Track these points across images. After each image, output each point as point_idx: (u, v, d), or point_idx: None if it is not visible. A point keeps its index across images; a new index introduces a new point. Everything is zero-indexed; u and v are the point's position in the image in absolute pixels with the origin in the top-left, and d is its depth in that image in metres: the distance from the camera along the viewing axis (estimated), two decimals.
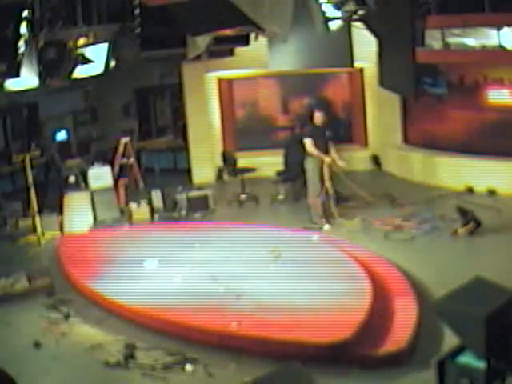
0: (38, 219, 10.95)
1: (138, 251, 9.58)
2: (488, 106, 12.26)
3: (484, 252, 9.12)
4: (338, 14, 7.51)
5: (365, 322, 6.93)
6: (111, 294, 8.14)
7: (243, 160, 13.28)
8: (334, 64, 9.13)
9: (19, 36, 7.47)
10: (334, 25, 7.52)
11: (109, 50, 9.68)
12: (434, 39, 11.12)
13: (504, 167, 11.83)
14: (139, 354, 6.95)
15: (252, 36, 9.89)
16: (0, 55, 7.47)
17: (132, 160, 12.73)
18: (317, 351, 6.54)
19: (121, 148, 12.72)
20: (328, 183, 10.61)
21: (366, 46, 9.05)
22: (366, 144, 14.66)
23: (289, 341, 6.70)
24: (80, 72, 9.30)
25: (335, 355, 6.55)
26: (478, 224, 9.91)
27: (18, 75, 7.73)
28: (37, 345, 7.37)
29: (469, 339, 3.96)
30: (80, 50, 9.10)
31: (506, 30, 10.73)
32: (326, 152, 10.57)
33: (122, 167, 12.87)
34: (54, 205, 11.52)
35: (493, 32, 10.89)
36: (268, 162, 13.38)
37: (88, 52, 9.27)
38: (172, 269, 8.77)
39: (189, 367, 6.65)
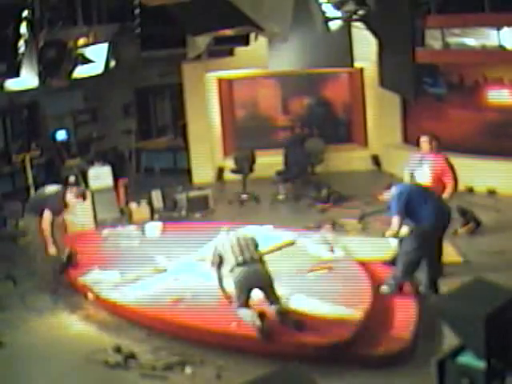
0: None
1: (139, 251, 9.58)
2: (488, 106, 12.27)
3: (484, 252, 9.12)
4: (338, 14, 7.50)
5: (365, 322, 6.93)
6: (112, 294, 8.15)
7: None
8: (334, 64, 9.12)
9: (19, 36, 7.46)
10: (334, 25, 7.51)
11: (109, 50, 9.68)
12: (434, 39, 11.14)
13: (504, 167, 11.84)
14: (139, 354, 6.96)
15: (252, 36, 9.88)
16: (0, 55, 7.47)
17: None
18: (317, 351, 6.54)
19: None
20: None
21: (365, 46, 9.05)
22: (365, 144, 14.66)
23: (289, 341, 6.70)
24: (80, 72, 9.29)
25: (335, 355, 6.55)
26: (478, 224, 9.92)
27: (18, 75, 7.73)
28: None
29: (469, 339, 3.96)
30: (80, 50, 9.09)
31: (506, 29, 10.75)
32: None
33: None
34: None
35: (493, 32, 10.90)
36: (268, 162, 13.39)
37: (88, 52, 9.27)
38: (172, 269, 8.78)
39: (188, 369, 6.64)
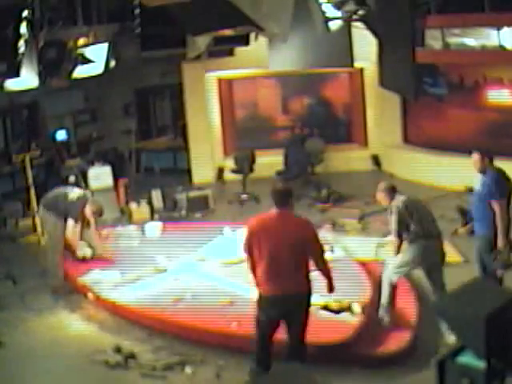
0: (38, 219, 10.94)
1: (139, 251, 9.58)
2: (488, 106, 12.27)
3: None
4: (338, 13, 7.51)
5: (365, 321, 6.93)
6: (112, 294, 8.15)
7: None
8: (334, 64, 9.13)
9: (19, 36, 7.46)
10: (334, 25, 7.52)
11: (109, 50, 9.68)
12: (434, 39, 11.13)
13: (504, 167, 11.79)
14: (139, 354, 6.96)
15: (252, 36, 9.89)
16: (0, 55, 7.48)
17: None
18: (317, 351, 6.54)
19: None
20: None
21: (365, 45, 9.06)
22: (365, 144, 14.66)
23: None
24: (80, 72, 9.30)
25: (335, 355, 6.55)
26: None
27: (18, 75, 7.73)
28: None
29: (469, 339, 3.96)
30: (80, 50, 9.10)
31: (506, 29, 10.74)
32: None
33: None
34: None
35: (493, 32, 10.90)
36: (268, 162, 13.38)
37: (88, 52, 9.28)
38: (172, 269, 8.78)
39: (188, 369, 6.64)
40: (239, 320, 7.04)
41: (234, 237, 9.75)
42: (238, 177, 12.91)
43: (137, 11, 8.61)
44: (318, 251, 6.00)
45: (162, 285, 8.29)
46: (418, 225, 6.98)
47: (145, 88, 15.99)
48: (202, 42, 8.53)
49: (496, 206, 7.14)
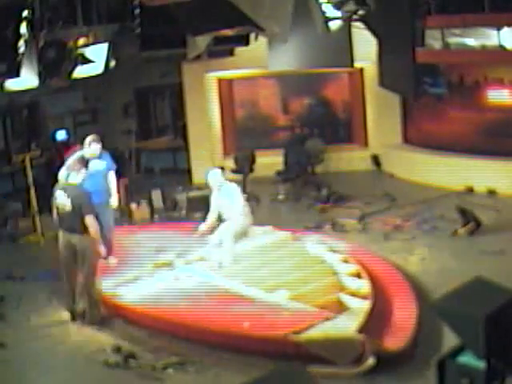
0: (37, 219, 10.95)
1: (138, 251, 9.58)
2: (488, 106, 12.27)
3: (484, 252, 9.13)
4: (338, 14, 7.51)
5: (365, 322, 6.92)
6: (112, 294, 8.15)
7: None
8: (334, 64, 9.14)
9: (19, 36, 7.47)
10: (334, 25, 7.53)
11: (109, 50, 9.68)
12: (434, 39, 11.14)
13: (504, 167, 11.84)
14: (139, 354, 6.95)
15: (252, 36, 9.89)
16: (0, 55, 7.48)
17: None
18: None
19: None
20: None
21: (366, 46, 9.06)
22: (366, 144, 14.67)
23: (288, 341, 6.70)
24: (80, 72, 9.29)
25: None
26: (478, 224, 9.92)
27: (18, 75, 7.73)
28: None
29: (469, 339, 3.96)
30: (80, 50, 9.10)
31: (506, 29, 10.75)
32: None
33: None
34: None
35: (493, 32, 10.91)
36: (268, 162, 13.38)
37: (88, 52, 9.27)
38: (173, 269, 8.78)
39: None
40: (239, 319, 7.04)
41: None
42: (238, 177, 12.89)
43: (137, 11, 8.61)
44: None
45: (162, 284, 8.29)
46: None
47: (145, 88, 15.98)
48: (201, 42, 8.53)
49: None
